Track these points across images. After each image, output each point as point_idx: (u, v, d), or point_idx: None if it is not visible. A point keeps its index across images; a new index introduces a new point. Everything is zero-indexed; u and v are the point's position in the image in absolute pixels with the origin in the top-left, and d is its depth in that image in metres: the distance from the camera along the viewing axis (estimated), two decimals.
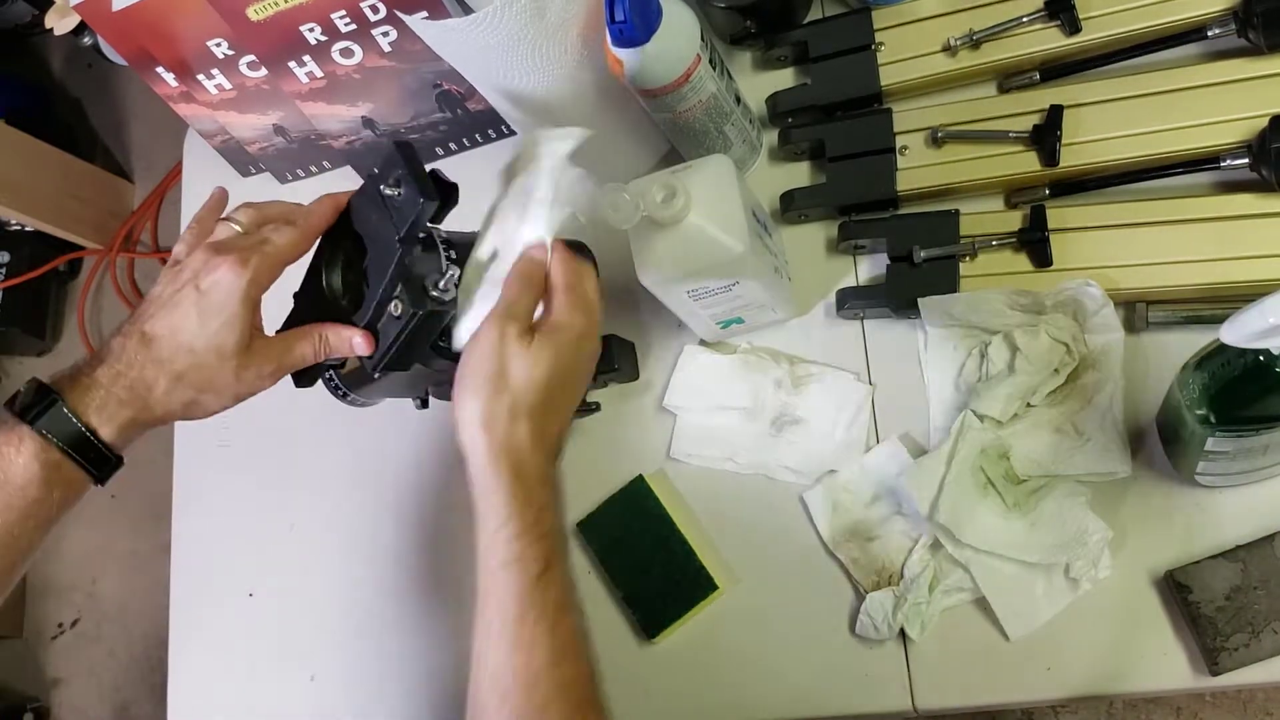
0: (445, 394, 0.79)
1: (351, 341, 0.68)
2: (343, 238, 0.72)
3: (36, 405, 0.59)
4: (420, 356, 0.71)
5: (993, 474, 0.79)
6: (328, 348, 0.69)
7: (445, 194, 0.68)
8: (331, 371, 0.76)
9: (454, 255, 0.70)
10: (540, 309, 0.66)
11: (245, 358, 0.64)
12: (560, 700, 0.59)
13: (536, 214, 0.68)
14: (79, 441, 0.59)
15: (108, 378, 0.61)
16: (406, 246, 0.67)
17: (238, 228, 0.68)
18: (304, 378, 0.72)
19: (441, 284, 0.67)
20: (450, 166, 1.07)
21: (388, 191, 0.67)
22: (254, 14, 0.88)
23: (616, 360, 0.88)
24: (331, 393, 0.78)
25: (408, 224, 0.67)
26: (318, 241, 0.72)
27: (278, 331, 0.70)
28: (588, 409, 0.89)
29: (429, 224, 0.69)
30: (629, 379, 0.92)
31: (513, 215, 0.70)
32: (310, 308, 0.71)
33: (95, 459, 0.61)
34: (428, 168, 0.69)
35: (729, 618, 0.86)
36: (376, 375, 0.70)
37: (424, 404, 0.84)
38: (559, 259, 0.66)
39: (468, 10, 0.81)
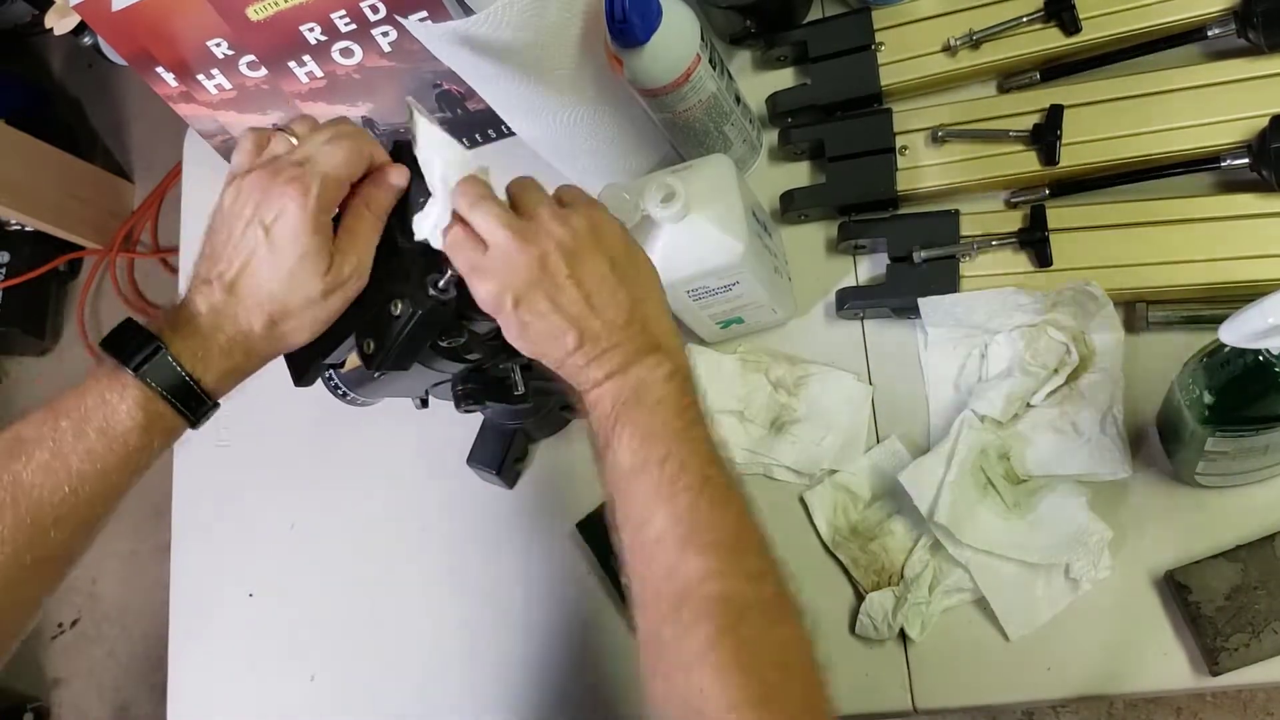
0: (445, 394, 0.79)
1: (391, 180, 0.64)
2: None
3: (140, 352, 0.58)
4: (422, 356, 0.71)
5: (993, 474, 0.79)
6: (381, 208, 0.64)
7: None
8: (331, 371, 0.75)
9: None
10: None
11: (331, 279, 0.61)
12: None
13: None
14: (182, 391, 0.58)
15: (208, 326, 0.60)
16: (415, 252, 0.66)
17: (294, 140, 0.64)
18: (304, 376, 0.72)
19: (441, 283, 0.66)
20: None
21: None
22: (254, 14, 0.88)
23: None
24: (331, 393, 0.78)
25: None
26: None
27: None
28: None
29: None
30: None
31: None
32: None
33: (194, 406, 0.59)
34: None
35: None
36: (377, 375, 0.70)
37: (424, 403, 0.84)
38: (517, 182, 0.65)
39: (468, 11, 0.81)
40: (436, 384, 0.80)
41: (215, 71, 0.97)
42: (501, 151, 1.05)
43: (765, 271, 0.81)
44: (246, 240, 0.60)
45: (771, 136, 0.94)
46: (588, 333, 0.60)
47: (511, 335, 0.62)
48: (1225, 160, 0.78)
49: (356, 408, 0.80)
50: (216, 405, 0.62)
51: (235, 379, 0.62)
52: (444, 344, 0.70)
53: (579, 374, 0.61)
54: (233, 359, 0.60)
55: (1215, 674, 0.73)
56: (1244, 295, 0.75)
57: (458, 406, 0.78)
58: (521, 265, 0.60)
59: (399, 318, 0.66)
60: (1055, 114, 0.83)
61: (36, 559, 0.57)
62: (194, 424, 0.61)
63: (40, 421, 0.57)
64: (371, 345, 0.67)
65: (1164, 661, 0.76)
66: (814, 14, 0.96)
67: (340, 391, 0.77)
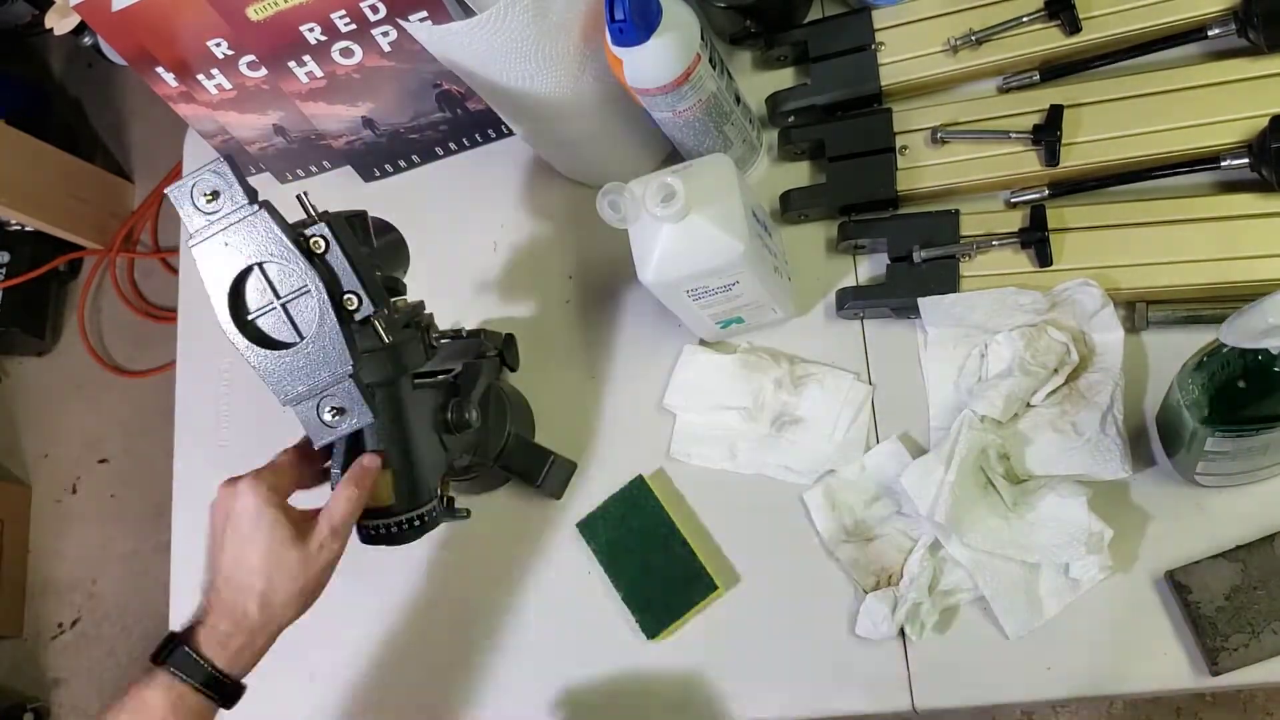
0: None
1: (363, 465, 0.74)
2: (242, 316, 0.70)
3: (165, 650, 0.70)
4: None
5: (993, 474, 0.79)
6: (355, 489, 0.73)
7: (364, 227, 0.70)
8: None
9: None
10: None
11: (303, 545, 0.71)
12: None
13: None
14: (201, 674, 0.69)
15: (213, 615, 0.71)
16: (263, 204, 0.66)
17: None
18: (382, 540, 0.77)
19: (307, 206, 0.69)
20: (450, 166, 1.08)
21: (203, 209, 0.67)
22: (254, 14, 0.88)
23: (546, 477, 0.89)
24: (373, 538, 0.78)
25: (241, 190, 0.66)
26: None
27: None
28: (455, 515, 0.86)
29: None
30: (549, 495, 0.91)
31: None
32: (291, 377, 0.69)
33: (215, 686, 0.70)
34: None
35: (729, 618, 0.86)
36: (380, 307, 0.69)
37: (466, 514, 0.84)
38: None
39: (468, 11, 0.81)
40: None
41: (215, 71, 0.97)
42: (502, 151, 1.05)
43: (765, 271, 0.81)
44: (223, 536, 0.72)
45: (771, 136, 0.94)
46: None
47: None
48: (1225, 160, 0.78)
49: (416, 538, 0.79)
50: (239, 685, 0.72)
51: (247, 660, 0.71)
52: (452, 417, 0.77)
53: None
54: (236, 641, 0.70)
55: (1215, 674, 0.73)
56: (1244, 295, 0.75)
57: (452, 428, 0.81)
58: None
59: (323, 253, 0.68)
60: (1055, 114, 0.83)
61: None
62: (219, 702, 0.71)
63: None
64: (356, 298, 0.68)
65: (1164, 661, 0.76)
66: (814, 14, 0.96)
67: (395, 526, 0.77)
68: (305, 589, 0.72)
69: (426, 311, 0.83)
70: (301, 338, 0.68)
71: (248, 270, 0.67)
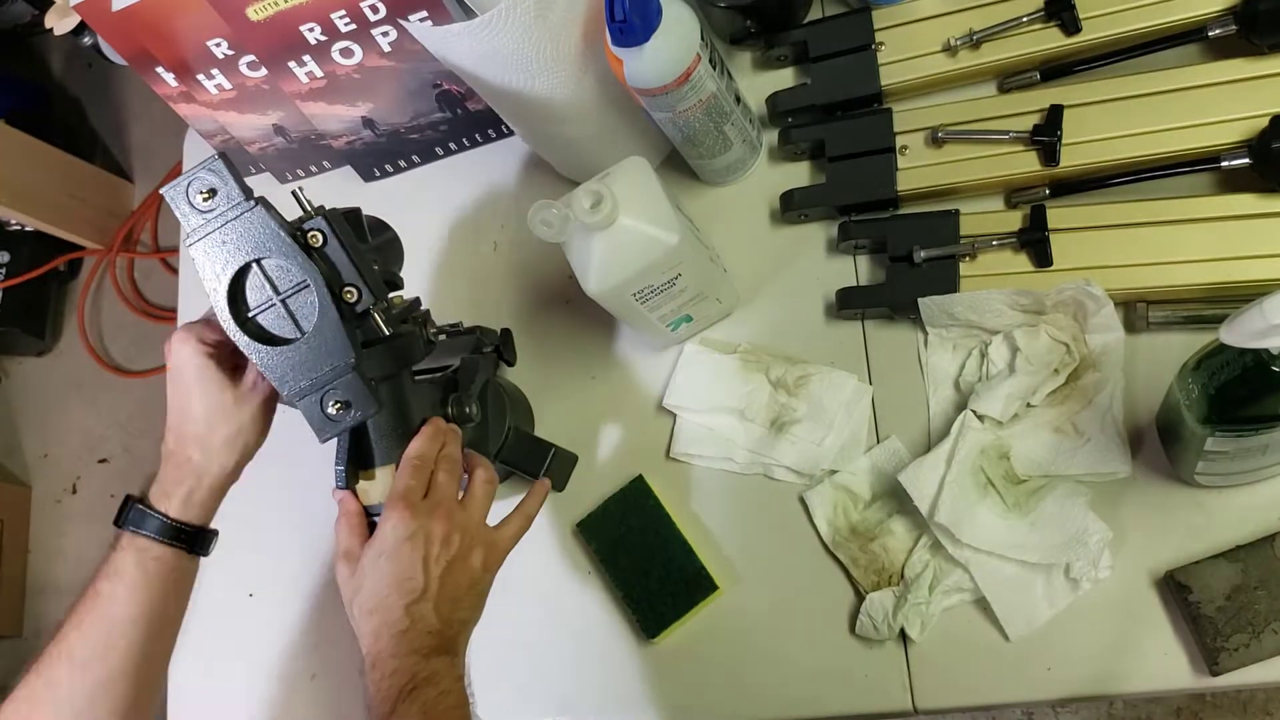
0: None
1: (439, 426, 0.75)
2: (242, 314, 0.69)
3: (123, 512, 0.73)
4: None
5: (993, 474, 0.79)
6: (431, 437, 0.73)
7: (358, 226, 0.70)
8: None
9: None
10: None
11: (234, 387, 0.73)
12: None
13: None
14: (156, 524, 0.72)
15: (163, 468, 0.73)
16: (259, 200, 0.66)
17: None
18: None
19: (303, 200, 0.69)
20: (450, 166, 1.08)
21: (200, 207, 0.67)
22: (254, 14, 0.88)
23: (549, 470, 0.88)
24: None
25: (237, 187, 0.66)
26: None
27: None
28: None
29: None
30: (553, 489, 0.90)
31: None
32: (294, 372, 0.69)
33: (176, 535, 0.72)
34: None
35: (729, 618, 0.86)
36: (378, 300, 0.69)
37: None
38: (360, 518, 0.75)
39: (467, 10, 0.81)
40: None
41: (215, 71, 0.97)
42: (502, 151, 1.05)
43: (703, 261, 0.83)
44: (170, 395, 0.73)
45: (771, 136, 0.94)
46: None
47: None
48: (1225, 160, 0.78)
49: None
50: (203, 531, 0.74)
51: (198, 506, 0.73)
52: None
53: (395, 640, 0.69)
54: (183, 487, 0.73)
55: (1215, 674, 0.73)
56: (1244, 295, 0.75)
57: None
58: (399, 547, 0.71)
59: (320, 247, 0.68)
60: (1055, 114, 0.83)
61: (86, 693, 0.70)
62: (189, 549, 0.74)
63: (77, 602, 0.72)
64: (356, 292, 0.68)
65: (1164, 661, 0.76)
66: (814, 14, 0.96)
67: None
68: (242, 429, 0.73)
69: (423, 308, 0.83)
70: (303, 333, 0.68)
71: (246, 267, 0.67)
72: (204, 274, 0.68)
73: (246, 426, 0.74)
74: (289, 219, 0.69)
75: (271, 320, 0.68)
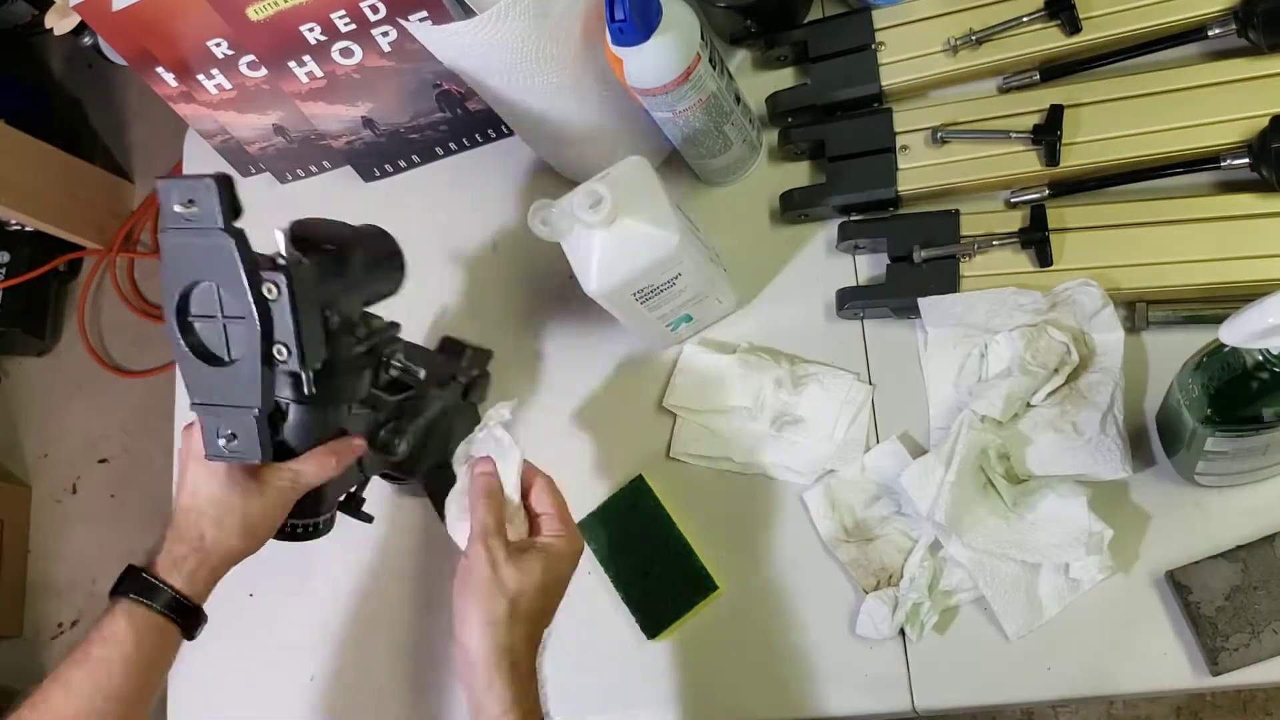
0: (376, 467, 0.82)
1: (354, 444, 0.76)
2: (185, 311, 0.70)
3: (125, 580, 0.72)
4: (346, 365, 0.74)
5: (993, 474, 0.79)
6: (334, 457, 0.74)
7: (227, 178, 0.68)
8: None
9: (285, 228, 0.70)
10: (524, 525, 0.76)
11: (258, 478, 0.72)
12: None
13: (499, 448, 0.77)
14: (161, 596, 0.71)
15: (169, 543, 0.73)
16: (235, 234, 0.66)
17: None
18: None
19: (282, 248, 0.68)
20: (450, 166, 1.08)
21: (183, 211, 0.66)
22: (254, 14, 0.88)
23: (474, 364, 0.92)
24: (292, 538, 0.78)
25: (220, 214, 0.65)
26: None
27: None
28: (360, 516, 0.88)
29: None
30: (486, 359, 0.95)
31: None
32: (207, 388, 0.70)
33: (176, 609, 0.72)
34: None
35: (729, 618, 0.86)
36: (307, 371, 0.69)
37: (366, 518, 0.84)
38: (544, 487, 0.76)
39: (467, 10, 0.81)
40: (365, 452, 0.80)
41: (215, 71, 0.97)
42: (501, 152, 1.05)
43: (703, 260, 0.83)
44: (186, 473, 0.74)
45: (771, 136, 0.94)
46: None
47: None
48: (1225, 160, 0.78)
49: (315, 538, 0.80)
50: (199, 610, 0.74)
51: (201, 584, 0.73)
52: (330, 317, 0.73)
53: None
54: (189, 563, 0.72)
55: (1215, 674, 0.73)
56: (1244, 295, 0.75)
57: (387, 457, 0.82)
58: (573, 567, 0.76)
59: (278, 297, 0.67)
60: (1055, 114, 0.83)
61: None
62: (181, 626, 0.73)
63: (72, 652, 0.71)
64: (285, 350, 0.68)
65: (1164, 661, 0.76)
66: (814, 14, 0.96)
67: (294, 528, 0.78)
68: (258, 523, 0.73)
69: (399, 337, 0.82)
70: (228, 360, 0.68)
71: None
72: (165, 265, 0.68)
73: (260, 522, 0.73)
74: (273, 248, 0.69)
75: (208, 333, 0.69)
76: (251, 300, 0.66)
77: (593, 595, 0.90)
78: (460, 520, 0.75)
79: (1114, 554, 0.77)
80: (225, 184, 0.65)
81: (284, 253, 0.68)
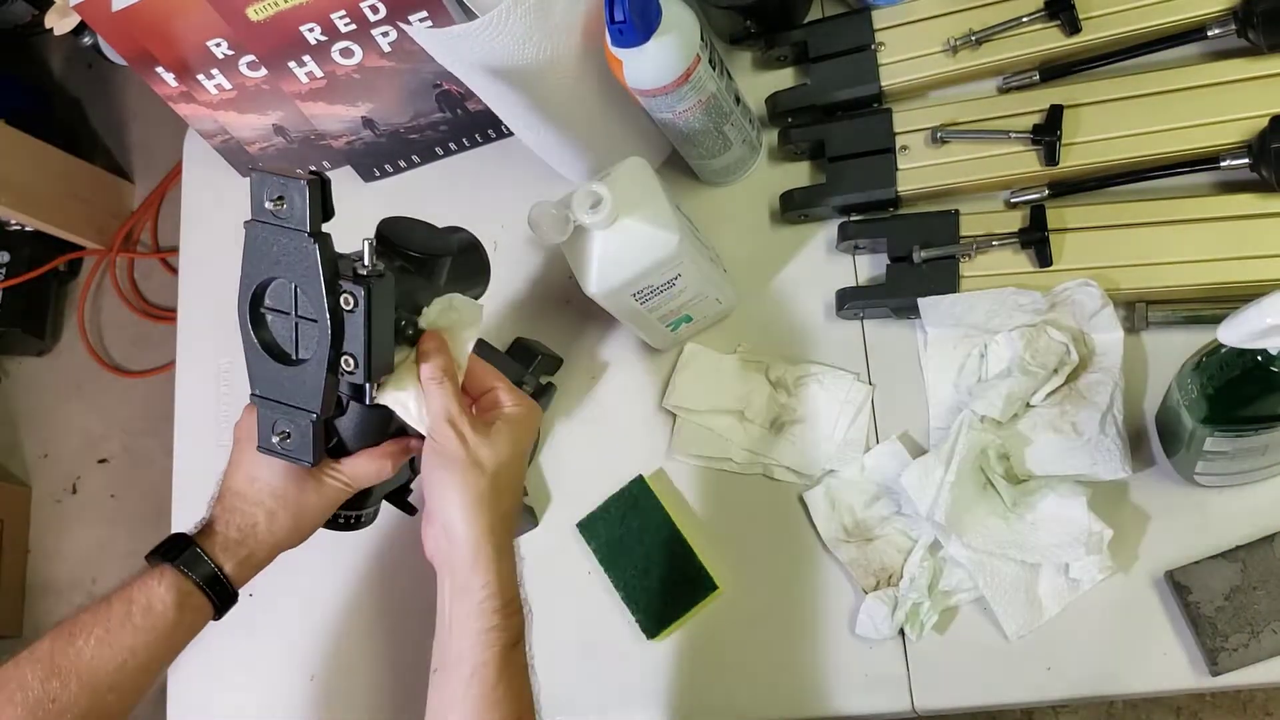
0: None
1: (411, 446, 0.74)
2: (258, 302, 0.69)
3: (175, 549, 0.71)
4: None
5: (993, 474, 0.79)
6: (387, 460, 0.73)
7: (322, 180, 0.67)
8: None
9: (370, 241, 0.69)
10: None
11: (314, 478, 0.72)
12: None
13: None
14: (207, 573, 0.70)
15: (222, 525, 0.72)
16: (320, 239, 0.65)
17: None
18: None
19: (366, 259, 0.67)
20: (450, 166, 1.08)
21: (272, 207, 0.65)
22: (254, 14, 0.88)
23: (535, 350, 0.92)
24: (339, 528, 0.78)
25: (308, 217, 0.65)
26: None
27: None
28: (546, 390, 0.91)
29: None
30: (556, 365, 0.95)
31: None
32: (270, 382, 0.69)
33: (220, 591, 0.71)
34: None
35: (729, 618, 0.86)
36: (374, 379, 0.69)
37: (411, 510, 0.83)
38: (480, 362, 0.74)
39: (467, 11, 0.81)
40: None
41: (215, 71, 0.97)
42: (501, 152, 1.05)
43: (703, 260, 0.83)
44: (242, 454, 0.73)
45: (771, 136, 0.94)
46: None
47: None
48: (1225, 160, 0.78)
49: (363, 528, 0.80)
50: (236, 596, 0.73)
51: (249, 570, 0.73)
52: (405, 327, 0.72)
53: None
54: (244, 549, 0.71)
55: (1215, 674, 0.73)
56: (1244, 295, 0.75)
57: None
58: (532, 436, 0.73)
59: (354, 309, 0.66)
60: (1055, 114, 0.83)
61: None
62: (218, 607, 0.72)
63: (95, 609, 0.69)
64: (351, 361, 0.67)
65: (1164, 661, 0.76)
66: (814, 14, 0.96)
67: (347, 519, 0.77)
68: (310, 519, 0.73)
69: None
70: (295, 358, 0.68)
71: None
72: (245, 258, 0.67)
73: (314, 519, 0.73)
74: (357, 249, 0.68)
75: (279, 327, 0.68)
76: (327, 309, 0.65)
77: (593, 595, 0.90)
78: (401, 392, 0.71)
79: (1114, 554, 0.77)
80: (317, 187, 0.64)
81: (367, 264, 0.67)
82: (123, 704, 0.69)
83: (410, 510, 0.83)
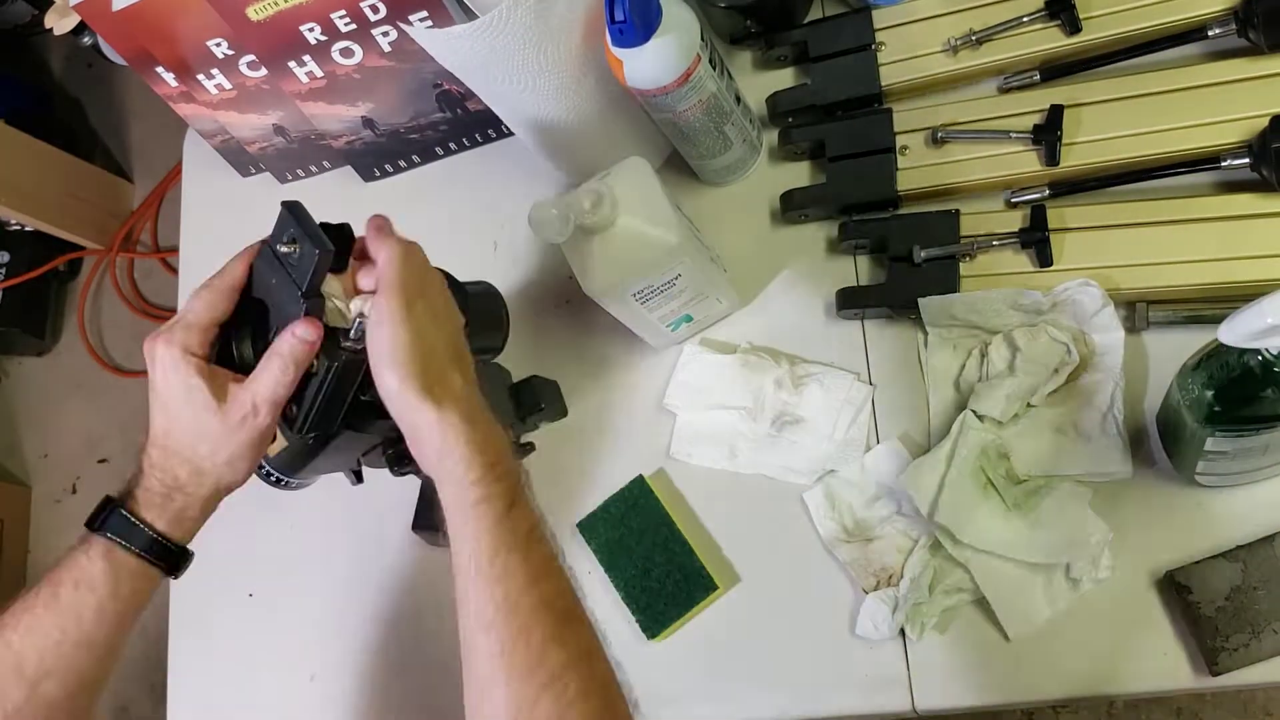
0: (377, 462, 0.78)
1: (296, 336, 0.66)
2: (248, 309, 0.70)
3: (101, 514, 0.67)
4: (347, 416, 0.71)
5: (993, 474, 0.79)
6: (285, 361, 0.66)
7: (340, 242, 0.67)
8: (262, 459, 0.74)
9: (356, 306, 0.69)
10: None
11: (226, 412, 0.66)
12: (541, 617, 0.61)
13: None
14: (141, 538, 0.66)
15: (146, 480, 0.67)
16: (311, 302, 0.65)
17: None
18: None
19: (352, 334, 0.66)
20: (450, 166, 1.08)
21: (284, 250, 0.66)
22: (254, 14, 0.88)
23: (541, 399, 0.89)
24: (264, 480, 0.76)
25: (308, 278, 0.65)
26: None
27: None
28: (523, 449, 0.89)
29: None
30: (558, 416, 0.93)
31: None
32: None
33: (157, 551, 0.67)
34: (319, 220, 0.68)
35: (729, 618, 0.86)
36: (307, 437, 0.69)
37: (358, 478, 0.82)
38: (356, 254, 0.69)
39: (468, 11, 0.81)
40: (366, 452, 0.79)
41: (215, 71, 0.97)
42: (501, 152, 1.05)
43: (703, 260, 0.83)
44: (151, 399, 0.68)
45: (771, 136, 0.94)
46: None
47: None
48: (1225, 160, 0.78)
49: (292, 491, 0.78)
50: (184, 550, 0.69)
51: (189, 523, 0.68)
52: (365, 398, 0.70)
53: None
54: (174, 503, 0.67)
55: (1215, 674, 0.73)
56: (1244, 295, 0.75)
57: (392, 470, 0.77)
58: (425, 278, 0.68)
59: (316, 374, 0.67)
60: (1055, 114, 0.83)
61: (35, 714, 0.64)
62: (165, 569, 0.68)
63: (22, 597, 0.66)
64: (293, 408, 0.68)
65: (1164, 661, 0.76)
66: (814, 14, 0.96)
67: (273, 478, 0.75)
68: (234, 458, 0.67)
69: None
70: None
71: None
72: (252, 272, 0.69)
73: (239, 455, 0.67)
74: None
75: (249, 347, 0.69)
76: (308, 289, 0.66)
77: (593, 595, 0.90)
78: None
79: (1114, 554, 0.77)
80: (328, 260, 0.65)
81: (352, 337, 0.66)
82: (66, 689, 0.65)
83: (357, 479, 0.82)
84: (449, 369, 0.65)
